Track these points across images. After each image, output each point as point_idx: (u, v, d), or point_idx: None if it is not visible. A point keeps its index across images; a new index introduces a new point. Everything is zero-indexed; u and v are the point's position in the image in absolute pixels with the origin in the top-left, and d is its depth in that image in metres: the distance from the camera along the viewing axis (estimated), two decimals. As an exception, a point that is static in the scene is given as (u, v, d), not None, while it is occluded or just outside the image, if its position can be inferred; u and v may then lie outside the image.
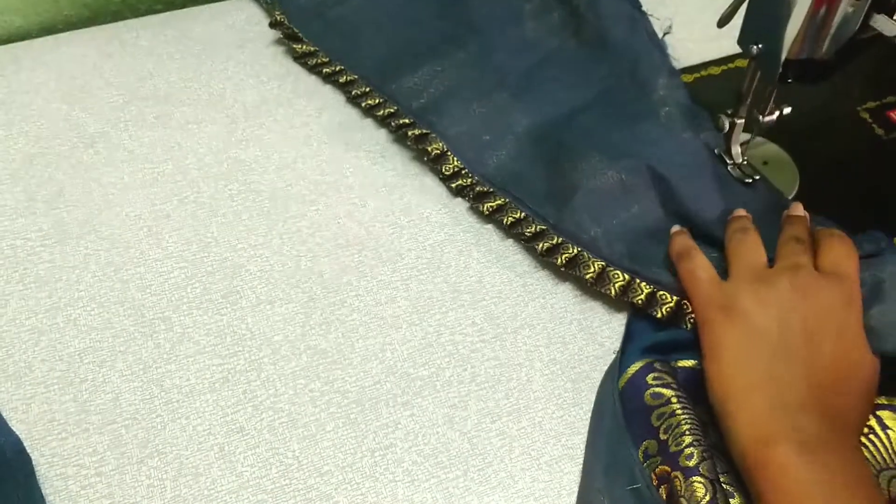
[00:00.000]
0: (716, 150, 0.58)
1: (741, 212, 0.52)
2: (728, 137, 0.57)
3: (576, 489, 0.46)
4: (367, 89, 0.63)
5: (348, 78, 0.64)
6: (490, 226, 0.57)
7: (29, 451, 0.46)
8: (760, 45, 0.50)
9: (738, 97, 0.55)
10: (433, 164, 0.59)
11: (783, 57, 0.49)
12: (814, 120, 0.63)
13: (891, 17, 0.46)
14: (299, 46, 0.67)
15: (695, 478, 0.42)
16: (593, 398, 0.49)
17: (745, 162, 0.57)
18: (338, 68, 0.65)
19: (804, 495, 0.39)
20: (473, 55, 0.64)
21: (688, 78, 0.66)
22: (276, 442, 0.47)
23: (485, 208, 0.56)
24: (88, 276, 0.54)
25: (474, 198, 0.57)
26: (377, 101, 0.63)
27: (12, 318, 0.51)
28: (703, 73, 0.67)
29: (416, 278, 0.54)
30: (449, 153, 0.59)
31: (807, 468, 0.39)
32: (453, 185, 0.58)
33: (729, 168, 0.57)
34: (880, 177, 0.60)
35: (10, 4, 0.70)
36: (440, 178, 0.59)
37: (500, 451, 0.47)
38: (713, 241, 0.52)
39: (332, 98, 0.65)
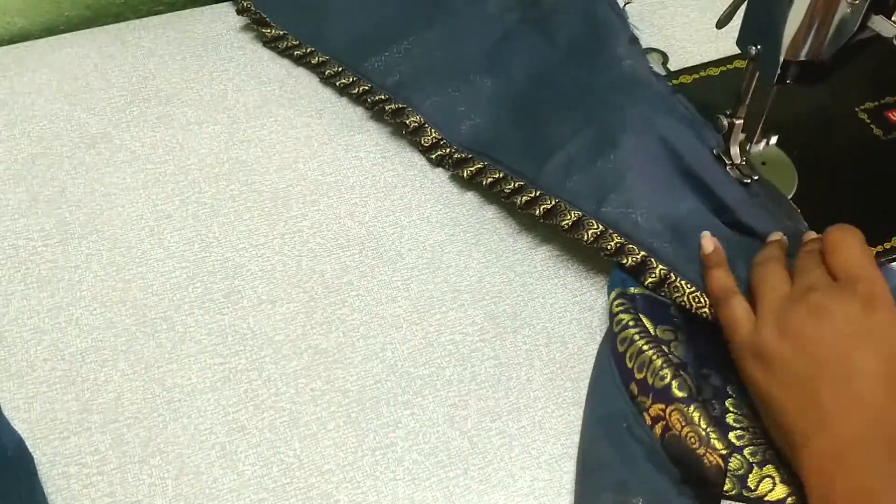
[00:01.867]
0: (714, 151, 0.58)
1: (776, 236, 0.50)
2: (727, 138, 0.57)
3: (575, 488, 0.46)
4: (340, 69, 0.65)
5: (320, 59, 0.66)
6: (490, 226, 0.57)
7: (31, 449, 0.46)
8: (759, 47, 0.51)
9: (736, 98, 0.55)
10: (412, 136, 0.61)
11: (782, 58, 0.49)
12: (812, 120, 0.63)
13: (889, 18, 0.46)
14: (268, 31, 0.68)
15: (692, 406, 0.42)
16: (593, 397, 0.49)
17: (744, 162, 0.57)
18: (308, 50, 0.67)
19: None
20: (440, 33, 0.66)
21: (687, 79, 0.66)
22: (277, 441, 0.47)
23: (465, 173, 0.58)
24: (90, 276, 0.54)
25: (453, 165, 0.59)
26: (351, 79, 0.64)
27: (14, 317, 0.52)
28: (702, 73, 0.67)
29: (417, 278, 0.54)
30: (426, 125, 0.61)
31: None
32: (433, 157, 0.60)
33: (727, 168, 0.57)
34: (879, 177, 0.60)
35: (12, 5, 0.70)
36: (420, 151, 0.61)
37: (500, 449, 0.47)
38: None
39: (332, 99, 0.65)
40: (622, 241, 0.51)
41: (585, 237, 0.52)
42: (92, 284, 0.53)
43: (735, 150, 0.57)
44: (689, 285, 0.49)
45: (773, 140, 0.55)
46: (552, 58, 0.62)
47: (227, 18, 0.71)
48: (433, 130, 0.60)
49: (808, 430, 0.40)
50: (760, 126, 0.54)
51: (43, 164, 0.60)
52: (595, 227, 0.52)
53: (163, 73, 0.67)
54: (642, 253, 0.50)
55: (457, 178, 0.60)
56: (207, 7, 0.72)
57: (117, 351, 0.50)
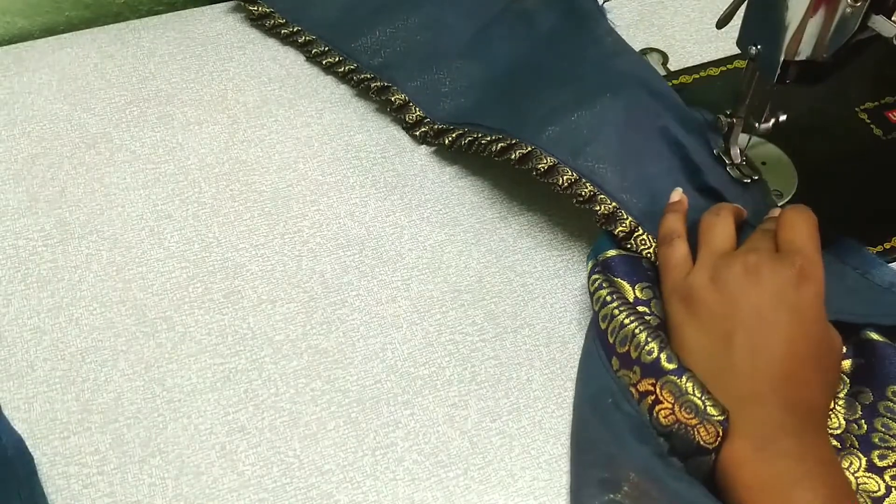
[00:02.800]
0: (714, 151, 0.58)
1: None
2: (727, 138, 0.57)
3: (575, 488, 0.46)
4: (326, 48, 0.66)
5: (307, 38, 0.67)
6: (490, 226, 0.57)
7: (31, 449, 0.46)
8: (759, 47, 0.51)
9: (737, 98, 0.55)
10: (396, 113, 0.62)
11: (782, 58, 0.49)
12: (812, 121, 0.63)
13: (889, 17, 0.46)
14: (255, 8, 0.69)
15: (684, 377, 0.42)
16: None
17: (744, 162, 0.58)
18: (295, 29, 0.68)
19: (763, 491, 0.39)
20: (426, 18, 0.67)
21: (687, 79, 0.66)
22: (277, 441, 0.47)
23: (446, 141, 0.59)
24: (90, 276, 0.54)
25: (434, 136, 0.60)
26: (337, 58, 0.66)
27: (14, 317, 0.52)
28: (703, 73, 0.67)
29: (417, 278, 0.54)
30: (411, 104, 0.62)
31: (765, 463, 0.39)
32: (416, 133, 0.62)
33: (727, 168, 0.57)
34: (879, 177, 0.60)
35: (12, 6, 0.70)
36: (404, 128, 0.62)
37: (500, 449, 0.47)
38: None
39: (332, 98, 0.65)
40: (595, 189, 0.52)
41: (560, 182, 0.52)
42: (92, 284, 0.53)
43: (735, 150, 0.57)
44: (655, 239, 0.51)
45: (783, 117, 0.54)
46: (535, 43, 0.63)
47: (227, 18, 0.71)
48: (417, 108, 0.62)
49: (712, 376, 0.42)
50: (770, 102, 0.54)
51: (43, 164, 0.60)
52: (570, 174, 0.52)
53: (163, 73, 0.67)
54: (613, 203, 0.51)
55: (457, 178, 0.60)
56: (207, 7, 0.72)
57: (117, 351, 0.50)
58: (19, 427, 0.47)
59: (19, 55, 0.67)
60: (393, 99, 0.62)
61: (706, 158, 0.56)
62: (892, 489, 0.43)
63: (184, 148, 0.61)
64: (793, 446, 0.40)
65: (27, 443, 0.46)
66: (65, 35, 0.69)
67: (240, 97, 0.65)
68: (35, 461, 0.45)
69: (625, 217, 0.51)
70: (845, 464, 0.44)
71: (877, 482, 0.43)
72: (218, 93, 0.65)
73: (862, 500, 0.43)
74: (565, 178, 0.52)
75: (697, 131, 0.57)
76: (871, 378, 0.46)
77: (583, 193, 0.52)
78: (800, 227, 0.46)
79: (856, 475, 0.44)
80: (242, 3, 0.70)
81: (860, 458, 0.44)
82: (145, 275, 0.54)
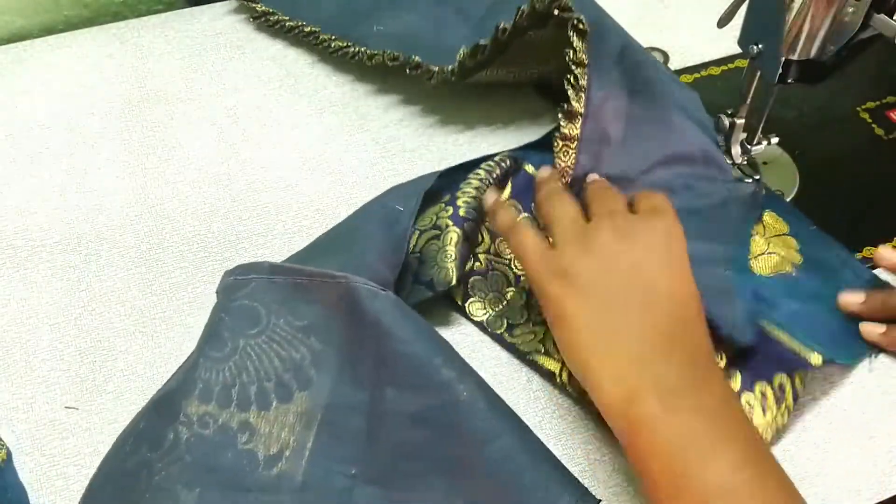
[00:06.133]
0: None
1: (546, 172, 0.52)
2: (728, 137, 0.57)
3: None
4: (332, 36, 0.66)
5: (312, 29, 0.67)
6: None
7: (30, 450, 0.46)
8: (760, 46, 0.50)
9: (738, 97, 0.55)
10: (413, 71, 0.60)
11: (783, 57, 0.49)
12: (813, 120, 0.63)
13: (890, 17, 0.46)
14: (258, 5, 0.69)
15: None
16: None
17: (745, 162, 0.57)
18: (299, 23, 0.68)
19: (677, 447, 0.38)
20: (423, 14, 0.66)
21: (688, 78, 0.66)
22: (277, 441, 0.47)
23: (466, 59, 0.57)
24: (90, 276, 0.54)
25: (456, 73, 0.58)
26: (345, 43, 0.65)
27: (14, 317, 0.51)
28: (704, 73, 0.67)
29: (417, 278, 0.54)
30: (427, 64, 0.60)
31: (676, 419, 0.39)
32: (432, 82, 0.60)
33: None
34: (880, 177, 0.60)
35: (11, 5, 0.70)
36: (425, 81, 0.60)
37: (500, 450, 0.47)
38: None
39: (332, 98, 0.65)
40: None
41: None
42: (91, 284, 0.53)
43: (736, 150, 0.57)
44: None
45: (775, 140, 0.55)
46: None
47: (227, 18, 0.71)
48: (433, 67, 0.60)
49: (604, 343, 0.42)
50: (760, 128, 0.54)
51: (42, 163, 0.60)
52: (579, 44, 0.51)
53: (162, 72, 0.66)
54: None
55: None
56: (207, 6, 0.72)
57: (117, 351, 0.50)
58: (19, 427, 0.47)
59: (18, 55, 0.67)
60: (412, 61, 0.60)
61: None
62: None
63: (183, 148, 0.61)
64: (703, 399, 0.40)
65: (27, 444, 0.46)
66: (63, 34, 0.69)
67: (240, 97, 0.65)
68: (35, 461, 0.45)
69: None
70: None
71: None
72: (218, 93, 0.65)
73: None
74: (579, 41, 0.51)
75: None
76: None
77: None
78: (660, 198, 0.47)
79: None
80: (245, 3, 0.70)
81: None
82: (144, 275, 0.54)
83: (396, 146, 0.62)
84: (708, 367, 0.42)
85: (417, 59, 0.60)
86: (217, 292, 0.48)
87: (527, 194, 0.55)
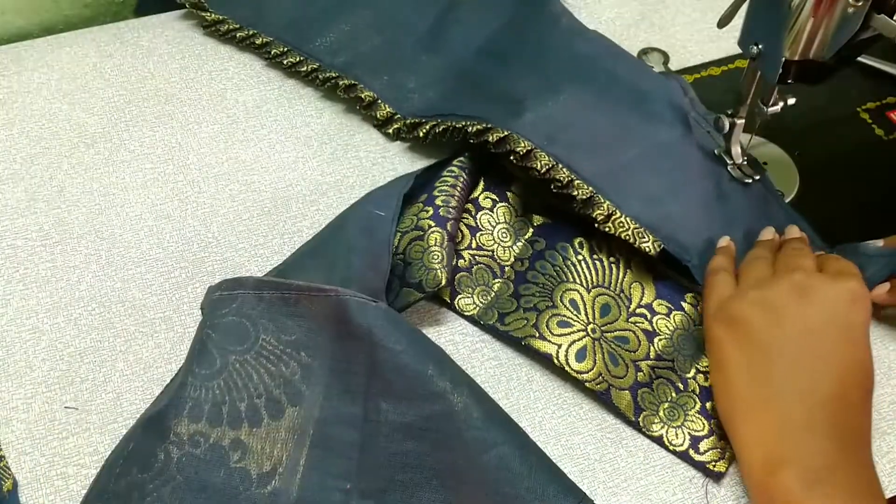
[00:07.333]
0: (715, 151, 0.58)
1: (768, 233, 0.52)
2: (728, 137, 0.57)
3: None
4: (286, 49, 0.65)
5: (264, 40, 0.66)
6: (490, 226, 0.57)
7: (30, 450, 0.46)
8: (760, 46, 0.50)
9: (738, 98, 0.55)
10: (366, 111, 0.62)
11: (783, 57, 0.49)
12: (813, 120, 0.63)
13: (890, 17, 0.46)
14: (208, 15, 0.68)
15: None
16: (594, 398, 0.49)
17: (746, 162, 0.57)
18: (251, 32, 0.67)
19: None
20: (378, 16, 0.66)
21: (688, 78, 0.66)
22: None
23: (420, 134, 0.59)
24: (89, 276, 0.54)
25: (408, 131, 0.60)
26: (298, 58, 0.65)
27: (13, 317, 0.51)
28: (704, 73, 0.67)
29: (417, 278, 0.54)
30: (379, 101, 0.62)
31: (811, 499, 0.38)
32: (389, 131, 0.61)
33: (729, 168, 0.57)
34: (880, 177, 0.60)
35: (11, 5, 0.70)
36: (375, 125, 0.62)
37: (500, 450, 0.47)
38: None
39: (332, 98, 0.65)
40: (572, 175, 0.52)
41: (538, 167, 0.52)
42: (91, 284, 0.53)
43: (736, 150, 0.57)
44: (633, 221, 0.51)
45: (791, 101, 0.54)
46: (494, 29, 0.63)
47: (226, 18, 0.71)
48: (386, 105, 0.61)
49: (749, 399, 0.41)
50: (775, 91, 0.53)
51: (42, 163, 0.60)
52: (546, 159, 0.52)
53: (162, 72, 0.66)
54: (590, 188, 0.51)
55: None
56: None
57: (116, 351, 0.50)
58: (18, 427, 0.47)
59: (18, 54, 0.67)
60: (363, 96, 0.62)
61: (679, 131, 0.56)
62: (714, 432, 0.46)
63: (183, 147, 0.61)
64: (841, 481, 0.38)
65: (26, 443, 0.46)
66: (63, 34, 0.69)
67: (239, 96, 0.65)
68: (34, 462, 0.45)
69: (602, 201, 0.51)
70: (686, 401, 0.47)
71: (703, 423, 0.47)
72: (217, 92, 0.65)
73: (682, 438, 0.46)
74: (542, 162, 0.52)
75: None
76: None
77: (560, 179, 0.52)
78: (848, 263, 0.45)
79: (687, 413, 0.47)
80: (194, 11, 0.69)
81: (696, 402, 0.47)
82: (144, 275, 0.54)
83: (396, 146, 0.62)
84: (858, 451, 0.40)
85: (368, 94, 0.62)
86: (202, 308, 0.48)
87: (500, 188, 0.56)
